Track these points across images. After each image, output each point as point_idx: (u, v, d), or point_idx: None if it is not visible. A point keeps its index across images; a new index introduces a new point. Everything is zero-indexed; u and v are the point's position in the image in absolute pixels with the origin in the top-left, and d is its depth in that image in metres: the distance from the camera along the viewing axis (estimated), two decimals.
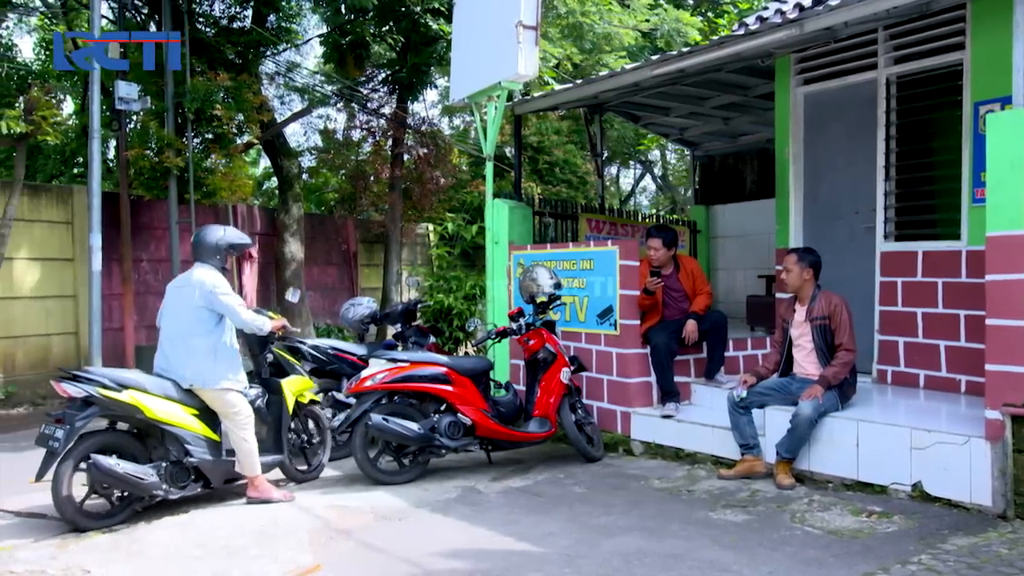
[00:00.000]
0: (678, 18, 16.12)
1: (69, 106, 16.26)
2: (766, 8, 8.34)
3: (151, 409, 5.18)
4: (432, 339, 8.09)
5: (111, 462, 5.01)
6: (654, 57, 7.76)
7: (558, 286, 6.88)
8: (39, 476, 4.94)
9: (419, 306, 8.55)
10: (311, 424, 6.41)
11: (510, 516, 5.26)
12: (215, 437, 5.53)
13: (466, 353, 11.14)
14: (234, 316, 5.54)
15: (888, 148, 6.92)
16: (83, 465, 5.02)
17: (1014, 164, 4.79)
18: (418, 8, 12.73)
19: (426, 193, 14.47)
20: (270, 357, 6.07)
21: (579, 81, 8.85)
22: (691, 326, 6.94)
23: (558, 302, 6.96)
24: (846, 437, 5.56)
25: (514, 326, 6.85)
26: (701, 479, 6.00)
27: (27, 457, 7.47)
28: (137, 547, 4.75)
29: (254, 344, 5.99)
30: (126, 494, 5.20)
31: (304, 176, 16.27)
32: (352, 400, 6.27)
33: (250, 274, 13.78)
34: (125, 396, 5.10)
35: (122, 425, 5.39)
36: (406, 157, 14.46)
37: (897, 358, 6.84)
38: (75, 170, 15.91)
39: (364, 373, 6.30)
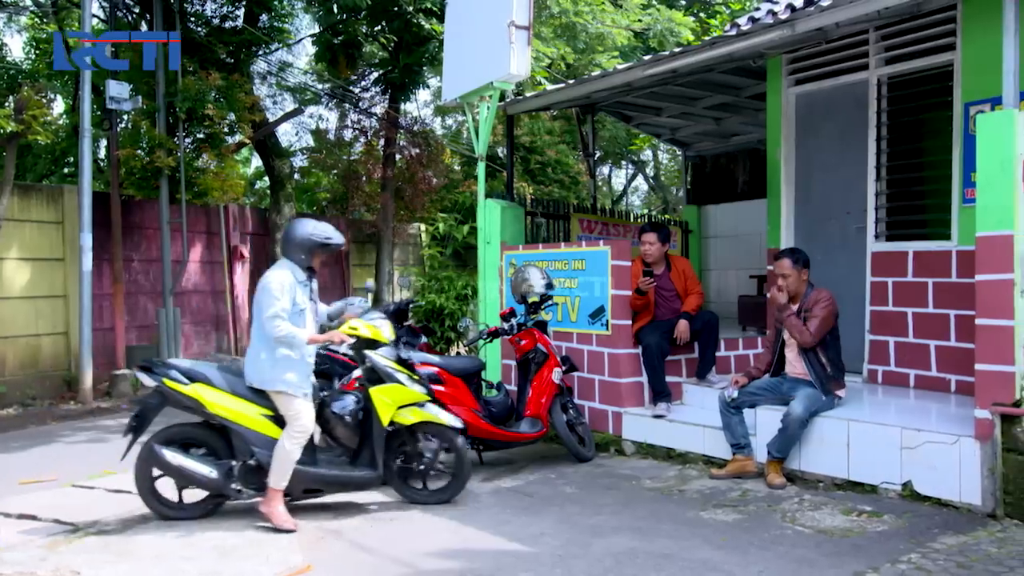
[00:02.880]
0: (671, 18, 16.19)
1: (59, 105, 16.22)
2: (758, 9, 8.36)
3: (211, 403, 5.10)
4: (424, 339, 8.06)
5: (168, 453, 5.06)
6: (646, 57, 7.76)
7: (550, 286, 6.88)
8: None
9: (411, 306, 8.53)
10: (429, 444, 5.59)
11: (501, 516, 5.26)
12: None
13: (458, 353, 11.13)
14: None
15: (879, 148, 6.94)
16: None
17: (1004, 165, 4.81)
18: (410, 8, 12.74)
19: (418, 193, 14.50)
20: (368, 363, 5.56)
21: (571, 81, 8.85)
22: (683, 326, 6.94)
23: (550, 302, 6.96)
24: (837, 437, 5.57)
25: (506, 326, 6.85)
26: (692, 479, 6.01)
27: (17, 457, 7.49)
28: (127, 547, 4.73)
29: (358, 348, 5.59)
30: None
31: (296, 176, 16.27)
32: None
33: (241, 274, 13.79)
34: (189, 389, 5.09)
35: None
36: (398, 157, 14.48)
37: (888, 358, 6.85)
38: (65, 170, 15.87)
39: (356, 373, 6.28)
